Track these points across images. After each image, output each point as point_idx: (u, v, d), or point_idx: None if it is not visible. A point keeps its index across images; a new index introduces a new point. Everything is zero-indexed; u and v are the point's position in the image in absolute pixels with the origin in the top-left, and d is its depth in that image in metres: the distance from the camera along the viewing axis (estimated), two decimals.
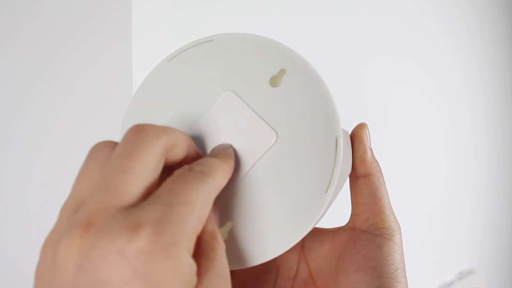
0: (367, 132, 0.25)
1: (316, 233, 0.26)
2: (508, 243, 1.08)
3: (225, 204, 0.22)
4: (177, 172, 0.17)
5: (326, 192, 0.20)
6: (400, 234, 0.24)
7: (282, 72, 0.22)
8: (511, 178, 1.07)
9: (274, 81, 0.22)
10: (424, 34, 0.78)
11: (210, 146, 0.22)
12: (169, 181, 0.17)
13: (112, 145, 0.18)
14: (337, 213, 0.33)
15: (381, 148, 0.64)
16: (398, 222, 0.24)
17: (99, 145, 0.18)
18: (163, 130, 0.17)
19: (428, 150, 0.82)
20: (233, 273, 0.26)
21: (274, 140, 0.21)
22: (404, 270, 0.23)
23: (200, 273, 0.17)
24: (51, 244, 0.15)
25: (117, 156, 0.16)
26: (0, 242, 0.36)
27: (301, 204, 0.21)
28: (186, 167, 0.18)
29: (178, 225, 0.15)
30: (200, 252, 0.18)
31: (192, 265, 0.16)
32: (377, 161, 0.25)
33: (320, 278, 0.24)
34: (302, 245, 0.26)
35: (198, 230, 0.16)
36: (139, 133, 0.17)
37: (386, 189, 0.25)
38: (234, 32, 0.23)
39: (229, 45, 0.22)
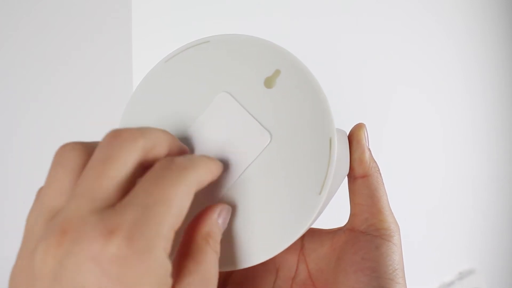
0: (365, 132, 0.25)
1: (316, 234, 0.26)
2: (508, 243, 1.08)
3: None
4: (156, 165, 0.17)
5: (320, 193, 0.21)
6: (399, 234, 0.24)
7: (277, 73, 0.22)
8: (511, 178, 1.06)
9: (268, 82, 0.22)
10: (424, 34, 0.78)
11: (205, 147, 0.22)
12: (146, 177, 0.16)
13: (78, 147, 0.17)
14: (337, 213, 0.33)
15: (380, 149, 0.64)
16: (397, 223, 0.24)
17: (65, 148, 0.17)
18: (141, 133, 0.17)
19: (428, 150, 0.82)
20: (231, 274, 0.26)
21: (269, 141, 0.22)
22: (403, 270, 0.23)
23: (181, 275, 0.17)
24: (27, 252, 0.16)
25: (92, 163, 0.16)
26: (1, 242, 0.36)
27: (295, 205, 0.21)
28: (167, 158, 0.17)
29: (153, 227, 0.15)
30: (188, 252, 0.18)
31: (167, 266, 0.15)
32: (375, 162, 0.25)
33: (319, 279, 0.24)
34: (301, 246, 0.26)
35: (176, 227, 0.16)
36: (116, 138, 0.17)
37: (384, 189, 0.25)
38: (231, 33, 0.23)
39: (225, 46, 0.23)
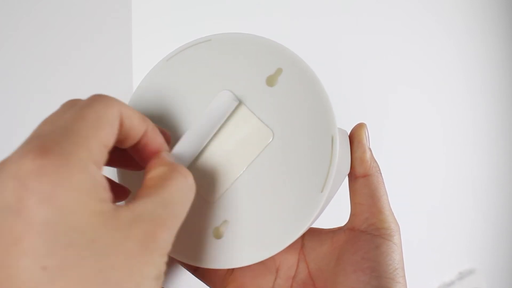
0: (366, 132, 0.25)
1: (316, 233, 0.26)
2: (508, 243, 1.08)
3: (222, 203, 0.22)
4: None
5: (321, 191, 0.21)
6: (399, 234, 0.24)
7: (279, 71, 0.22)
8: (511, 179, 1.06)
9: (270, 81, 0.22)
10: (424, 34, 0.78)
11: (206, 146, 0.22)
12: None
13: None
14: (337, 213, 0.33)
15: (380, 148, 0.64)
16: (397, 223, 0.24)
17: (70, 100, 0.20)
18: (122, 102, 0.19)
19: (428, 151, 0.82)
20: (231, 273, 0.26)
21: (271, 139, 0.22)
22: (403, 270, 0.23)
23: (136, 196, 0.17)
24: None
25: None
26: None
27: (297, 203, 0.21)
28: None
29: (72, 141, 0.15)
30: (153, 182, 0.18)
31: (97, 179, 0.16)
32: (376, 161, 0.25)
33: (319, 278, 0.24)
34: (301, 245, 0.26)
35: (108, 144, 0.17)
36: (99, 95, 0.19)
37: (385, 189, 0.25)
38: (232, 32, 0.23)
39: (227, 45, 0.23)
